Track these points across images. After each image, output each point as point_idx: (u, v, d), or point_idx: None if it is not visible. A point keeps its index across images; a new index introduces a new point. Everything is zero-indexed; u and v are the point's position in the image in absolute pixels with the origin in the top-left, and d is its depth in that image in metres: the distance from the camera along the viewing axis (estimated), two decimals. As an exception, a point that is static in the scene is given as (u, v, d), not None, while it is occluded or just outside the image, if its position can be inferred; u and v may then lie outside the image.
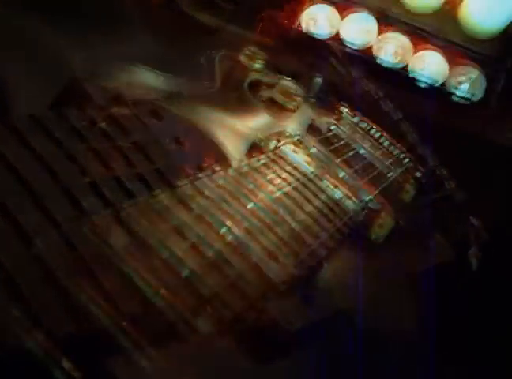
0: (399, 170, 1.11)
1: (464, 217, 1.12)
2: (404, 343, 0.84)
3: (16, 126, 0.57)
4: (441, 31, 1.34)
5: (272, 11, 1.32)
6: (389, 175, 1.06)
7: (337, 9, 1.33)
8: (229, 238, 0.63)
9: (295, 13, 1.31)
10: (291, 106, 1.13)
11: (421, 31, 1.34)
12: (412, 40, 1.32)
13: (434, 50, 1.31)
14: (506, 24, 1.30)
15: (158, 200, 0.63)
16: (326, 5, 1.32)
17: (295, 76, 1.24)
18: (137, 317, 0.50)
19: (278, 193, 0.77)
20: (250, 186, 0.74)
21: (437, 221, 1.06)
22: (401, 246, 0.96)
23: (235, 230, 0.66)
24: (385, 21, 1.34)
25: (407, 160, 1.18)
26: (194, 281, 0.56)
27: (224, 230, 0.63)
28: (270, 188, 0.77)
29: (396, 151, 1.17)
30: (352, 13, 1.33)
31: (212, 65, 1.15)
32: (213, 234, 0.63)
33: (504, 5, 1.28)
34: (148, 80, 0.99)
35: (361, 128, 1.18)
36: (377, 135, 1.19)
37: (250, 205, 0.70)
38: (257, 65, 1.21)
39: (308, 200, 0.81)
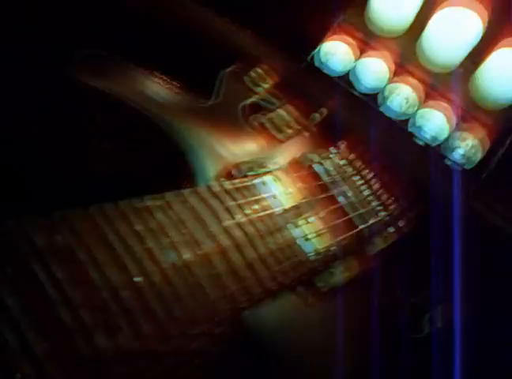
0: (371, 222, 1.11)
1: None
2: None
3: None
4: (451, 92, 1.33)
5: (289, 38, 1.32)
6: (357, 224, 1.06)
7: (353, 49, 1.33)
8: (164, 266, 0.63)
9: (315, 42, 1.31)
10: (281, 137, 1.13)
11: (431, 89, 1.33)
12: (419, 95, 1.32)
13: (440, 109, 1.31)
14: (515, 99, 1.29)
15: (102, 212, 0.63)
16: (343, 44, 1.32)
17: (295, 107, 1.25)
18: (44, 327, 0.51)
19: (229, 224, 0.77)
20: (202, 213, 0.75)
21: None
22: (349, 300, 0.96)
23: (173, 258, 0.66)
24: (398, 71, 1.33)
25: (383, 213, 1.17)
26: (111, 301, 0.56)
27: (162, 258, 0.64)
28: (224, 217, 0.77)
29: (374, 202, 1.17)
30: (368, 56, 1.33)
31: (217, 81, 1.16)
32: (149, 260, 0.63)
33: (516, 80, 1.27)
34: (148, 87, 1.00)
35: (346, 171, 1.18)
36: (360, 182, 1.19)
37: (195, 233, 0.71)
38: (261, 89, 1.22)
39: (260, 236, 0.81)
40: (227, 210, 0.78)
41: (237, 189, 0.84)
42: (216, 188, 0.81)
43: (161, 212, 0.68)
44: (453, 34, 1.26)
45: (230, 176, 0.89)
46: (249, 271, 0.74)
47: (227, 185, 0.83)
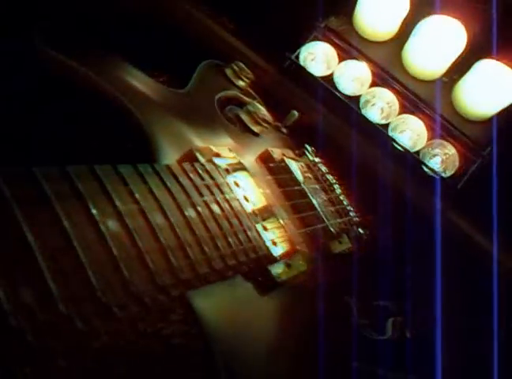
0: (338, 220, 1.10)
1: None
2: None
3: None
4: (432, 101, 1.33)
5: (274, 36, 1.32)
6: (324, 220, 1.05)
7: (337, 51, 1.33)
8: (105, 233, 0.63)
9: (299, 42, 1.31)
10: (255, 129, 1.13)
11: (412, 96, 1.33)
12: (400, 101, 1.32)
13: (419, 116, 1.31)
14: (496, 111, 1.29)
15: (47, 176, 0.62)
16: (328, 45, 1.33)
17: (273, 103, 1.25)
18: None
19: (183, 202, 0.76)
20: (155, 188, 0.74)
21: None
22: (303, 294, 0.95)
23: (115, 227, 0.65)
24: (380, 76, 1.33)
25: (353, 214, 1.17)
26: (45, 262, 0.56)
27: (103, 226, 0.63)
28: (178, 195, 0.77)
29: (345, 202, 1.17)
30: (351, 59, 1.33)
31: (197, 70, 1.16)
32: (90, 226, 0.62)
33: (497, 92, 1.27)
34: (131, 78, 0.99)
35: (319, 169, 1.18)
36: (333, 181, 1.19)
37: (144, 206, 0.70)
38: (241, 83, 1.22)
39: (214, 219, 0.80)
40: (183, 189, 0.78)
41: (197, 172, 0.84)
42: (175, 167, 0.80)
43: (111, 182, 0.68)
44: (437, 42, 1.27)
45: (194, 160, 0.88)
46: (198, 249, 0.74)
47: (188, 166, 0.83)
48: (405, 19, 1.31)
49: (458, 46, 1.27)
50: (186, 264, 0.71)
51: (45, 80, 0.82)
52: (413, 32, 1.30)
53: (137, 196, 0.69)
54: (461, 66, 1.32)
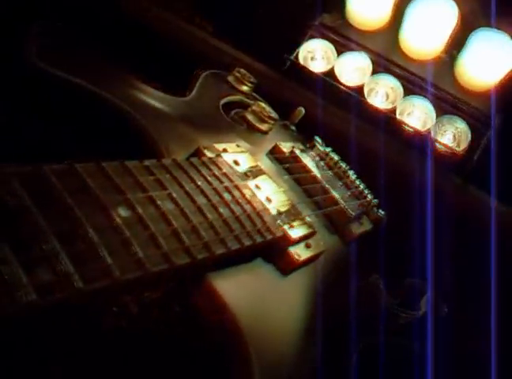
0: (356, 202, 1.11)
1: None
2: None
3: None
4: (435, 78, 1.35)
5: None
6: (341, 202, 1.06)
7: (335, 45, 1.36)
8: (115, 218, 0.65)
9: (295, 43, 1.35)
10: (262, 128, 1.16)
11: (414, 77, 1.35)
12: (403, 84, 1.34)
13: (424, 96, 1.33)
14: (500, 79, 1.30)
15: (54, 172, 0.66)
16: (325, 41, 1.36)
17: (279, 104, 1.27)
18: None
19: (191, 189, 0.79)
20: (162, 177, 0.77)
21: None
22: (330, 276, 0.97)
23: (126, 213, 0.68)
24: (380, 63, 1.36)
25: (372, 196, 1.18)
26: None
27: (114, 213, 0.65)
28: (186, 184, 0.79)
29: (362, 186, 1.18)
30: (349, 51, 1.36)
31: (196, 79, 1.20)
32: (101, 213, 0.65)
33: (499, 61, 1.28)
34: (141, 95, 1.04)
35: (331, 158, 1.20)
36: (347, 168, 1.20)
37: (153, 193, 0.73)
38: (245, 88, 1.26)
39: (225, 203, 0.82)
40: (191, 179, 0.80)
41: (205, 164, 0.86)
42: (182, 161, 0.83)
43: (118, 175, 0.71)
44: (429, 19, 1.29)
45: (203, 156, 0.91)
46: (211, 231, 0.76)
47: (196, 160, 0.86)
48: (396, 3, 1.33)
49: (450, 20, 1.29)
50: (201, 245, 0.73)
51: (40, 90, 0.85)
52: (405, 15, 1.33)
53: (145, 186, 0.72)
54: (459, 41, 1.33)
